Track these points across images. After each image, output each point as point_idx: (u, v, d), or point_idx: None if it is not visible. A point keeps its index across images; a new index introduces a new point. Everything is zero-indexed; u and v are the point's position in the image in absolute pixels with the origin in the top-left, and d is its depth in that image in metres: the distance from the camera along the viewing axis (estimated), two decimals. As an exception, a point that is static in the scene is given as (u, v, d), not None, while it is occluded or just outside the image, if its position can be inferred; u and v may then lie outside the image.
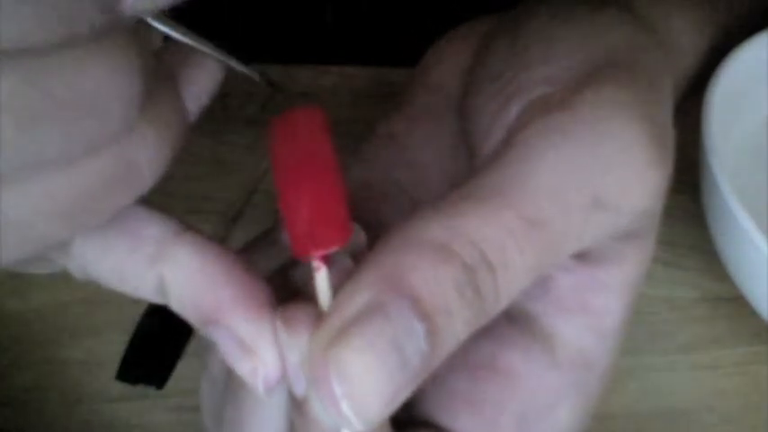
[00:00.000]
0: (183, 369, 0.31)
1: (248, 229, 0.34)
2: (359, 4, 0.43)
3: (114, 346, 0.31)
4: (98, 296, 0.33)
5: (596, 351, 0.22)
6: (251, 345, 0.17)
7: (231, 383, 0.21)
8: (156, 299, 0.18)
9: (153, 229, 0.17)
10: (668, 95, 0.23)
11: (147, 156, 0.15)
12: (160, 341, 0.32)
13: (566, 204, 0.19)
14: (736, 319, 0.34)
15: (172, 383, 0.31)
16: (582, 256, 0.21)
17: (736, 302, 0.33)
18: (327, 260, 0.17)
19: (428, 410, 0.23)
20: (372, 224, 0.20)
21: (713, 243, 0.33)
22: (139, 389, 0.30)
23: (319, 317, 0.17)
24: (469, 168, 0.24)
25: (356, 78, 0.40)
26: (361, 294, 0.16)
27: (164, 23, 0.17)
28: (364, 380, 0.15)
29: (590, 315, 0.22)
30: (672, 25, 0.27)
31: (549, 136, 0.19)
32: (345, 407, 0.15)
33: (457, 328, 0.17)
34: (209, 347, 0.22)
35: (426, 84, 0.27)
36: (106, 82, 0.13)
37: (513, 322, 0.22)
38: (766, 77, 0.35)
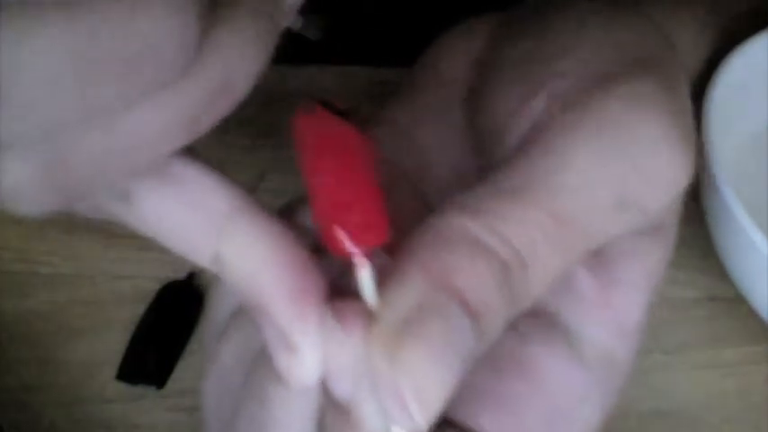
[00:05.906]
0: (182, 369, 0.31)
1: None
2: (358, 4, 0.43)
3: (114, 346, 0.31)
4: (98, 296, 0.33)
5: (620, 349, 0.22)
6: (294, 341, 0.17)
7: (255, 376, 0.20)
8: (211, 268, 0.18)
9: (220, 200, 0.17)
10: (687, 94, 0.22)
11: (236, 74, 0.16)
12: (160, 341, 0.32)
13: (591, 203, 0.19)
14: (736, 319, 0.34)
15: (171, 383, 0.31)
16: (601, 253, 0.21)
17: (736, 302, 0.33)
18: (370, 256, 0.17)
19: (450, 409, 0.22)
20: None
21: (713, 243, 0.33)
22: (139, 389, 0.31)
23: (369, 315, 0.17)
24: (477, 165, 0.24)
25: (356, 78, 0.40)
26: (411, 294, 0.17)
27: None
28: (429, 379, 0.16)
29: (614, 312, 0.22)
30: (675, 26, 0.27)
31: (577, 132, 0.19)
32: (413, 406, 0.16)
33: (498, 324, 0.17)
34: (214, 338, 0.21)
35: (437, 75, 0.26)
36: (160, 29, 0.13)
37: (536, 318, 0.22)
38: (766, 77, 0.35)
